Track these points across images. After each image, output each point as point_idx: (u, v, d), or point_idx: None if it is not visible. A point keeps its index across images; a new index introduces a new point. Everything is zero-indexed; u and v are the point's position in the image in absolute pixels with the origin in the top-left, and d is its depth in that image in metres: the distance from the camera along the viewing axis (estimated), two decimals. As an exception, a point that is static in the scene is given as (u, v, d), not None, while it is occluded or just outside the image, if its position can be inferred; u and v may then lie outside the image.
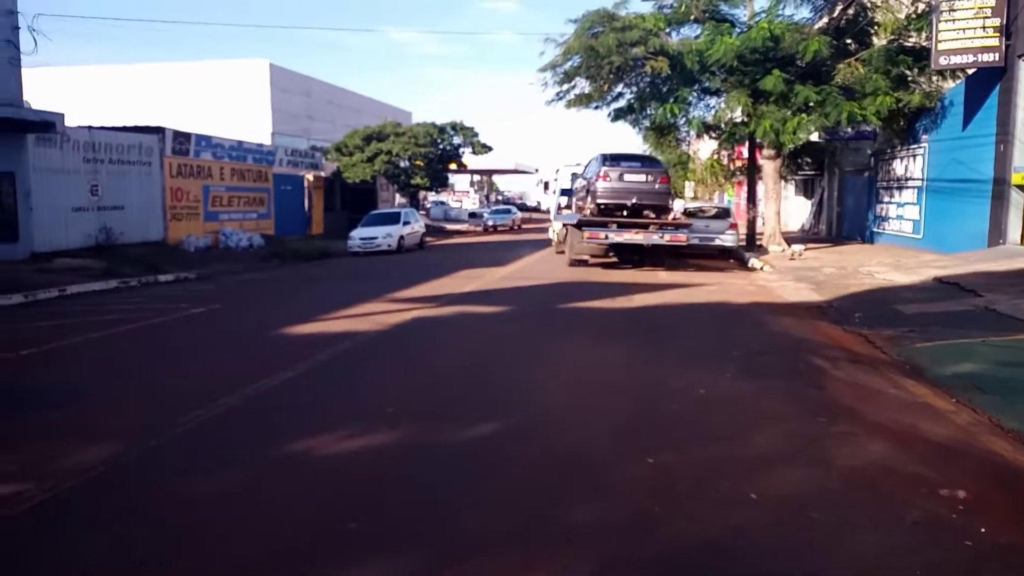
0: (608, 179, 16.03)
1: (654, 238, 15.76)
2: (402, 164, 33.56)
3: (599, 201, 16.13)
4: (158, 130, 21.50)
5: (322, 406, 5.60)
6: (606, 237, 15.86)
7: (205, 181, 23.30)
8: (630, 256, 16.81)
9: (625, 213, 16.24)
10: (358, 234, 22.74)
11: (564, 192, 22.28)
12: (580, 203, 17.86)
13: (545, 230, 28.41)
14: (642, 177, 16.10)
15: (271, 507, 3.79)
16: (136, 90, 36.04)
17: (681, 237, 15.94)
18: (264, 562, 3.25)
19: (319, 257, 20.99)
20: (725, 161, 24.61)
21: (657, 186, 16.09)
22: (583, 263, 17.03)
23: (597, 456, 4.44)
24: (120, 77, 37.08)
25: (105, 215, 19.03)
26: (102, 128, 20.01)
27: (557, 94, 19.60)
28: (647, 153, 22.09)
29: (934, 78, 17.51)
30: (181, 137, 22.35)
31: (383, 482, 4.10)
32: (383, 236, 22.52)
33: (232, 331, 9.12)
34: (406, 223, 24.00)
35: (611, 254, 17.16)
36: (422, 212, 41.91)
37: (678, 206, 23.05)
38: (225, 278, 16.22)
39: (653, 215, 16.36)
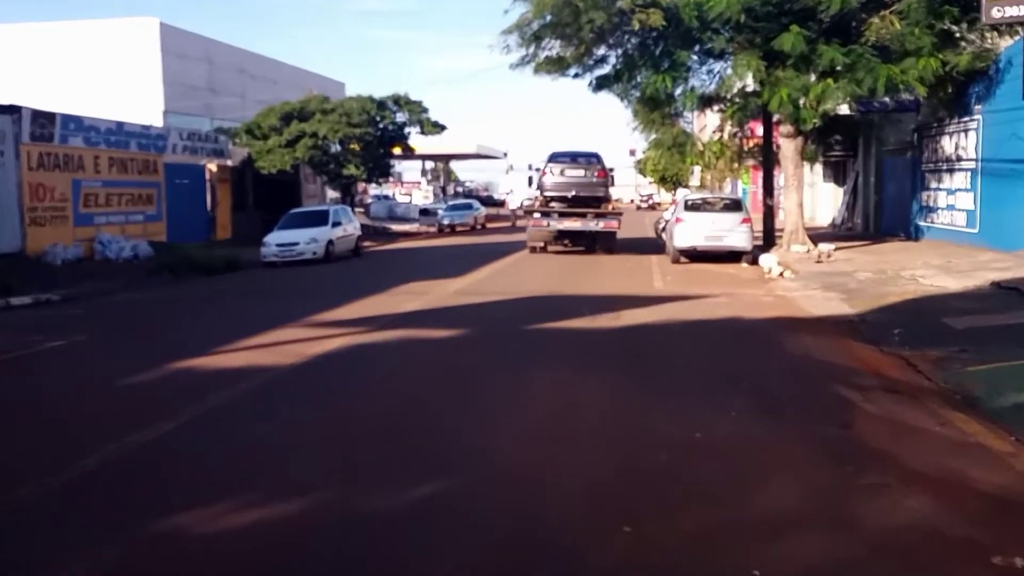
0: (552, 174, 22.42)
1: (591, 225, 21.92)
2: (332, 149, 33.35)
3: (546, 194, 22.45)
4: (12, 109, 21.02)
5: (209, 467, 5.45)
6: (548, 225, 22.14)
7: (75, 174, 22.83)
8: (588, 243, 22.56)
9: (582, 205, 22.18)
10: (275, 239, 22.49)
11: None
12: (535, 196, 24.01)
13: (516, 229, 28.91)
14: (581, 172, 22.44)
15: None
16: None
17: (613, 224, 22.02)
18: None
19: (225, 269, 20.69)
20: (738, 141, 24.83)
21: (594, 179, 22.34)
22: (543, 249, 23.02)
23: (564, 527, 4.35)
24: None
25: (-59, 221, 18.54)
26: (-66, 108, 19.54)
27: (523, 58, 19.68)
28: (641, 137, 24.23)
29: (987, 34, 17.84)
30: (43, 119, 21.91)
31: (279, 571, 3.95)
32: (306, 241, 22.31)
33: (98, 371, 8.89)
34: (336, 224, 23.81)
35: (567, 243, 23.21)
36: (359, 210, 41.72)
37: (679, 196, 24.02)
38: (99, 299, 15.87)
39: (593, 205, 22.19)
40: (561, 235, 22.89)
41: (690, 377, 7.81)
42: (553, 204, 22.49)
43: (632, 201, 76.11)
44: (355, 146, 33.44)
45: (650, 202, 69.71)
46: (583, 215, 21.98)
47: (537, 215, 22.51)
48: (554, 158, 22.94)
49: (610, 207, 22.90)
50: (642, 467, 5.24)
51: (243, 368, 8.45)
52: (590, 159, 23.25)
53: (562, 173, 22.45)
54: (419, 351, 9.56)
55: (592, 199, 22.37)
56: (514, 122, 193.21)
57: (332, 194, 39.49)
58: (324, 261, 22.28)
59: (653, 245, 24.12)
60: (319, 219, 23.74)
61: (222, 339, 10.19)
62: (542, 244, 23.16)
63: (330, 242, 22.93)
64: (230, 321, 12.37)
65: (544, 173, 22.84)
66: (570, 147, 23.32)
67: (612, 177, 24.39)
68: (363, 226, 29.69)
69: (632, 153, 69.61)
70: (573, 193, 22.20)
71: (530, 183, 32.55)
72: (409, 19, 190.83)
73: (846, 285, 13.54)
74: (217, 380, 7.91)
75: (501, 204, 61.53)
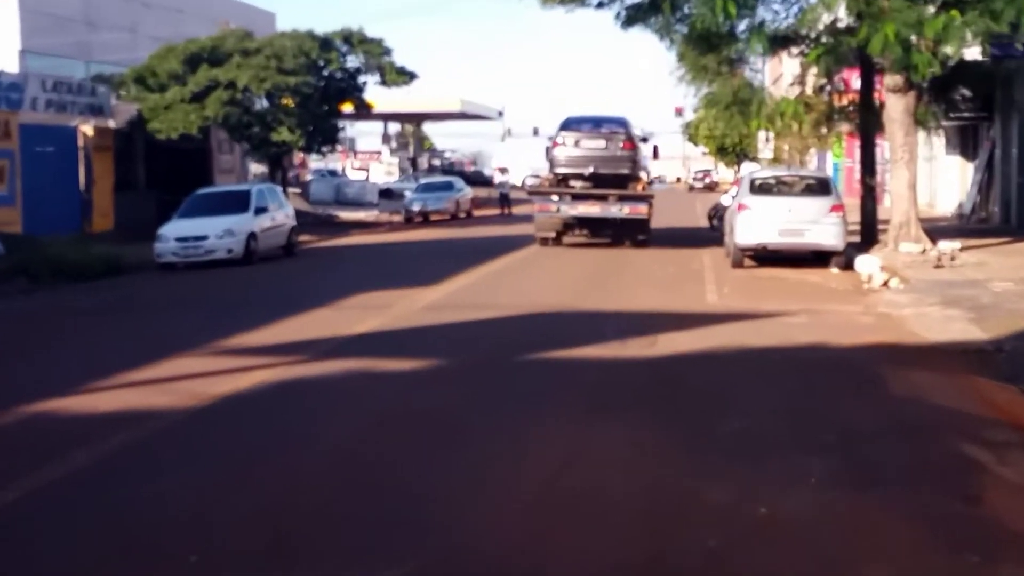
0: (566, 145, 24.41)
1: (613, 211, 23.73)
2: (257, 106, 33.40)
3: (557, 170, 24.61)
4: None
5: (71, 552, 5.42)
6: (557, 210, 24.18)
7: None
8: (614, 234, 24.47)
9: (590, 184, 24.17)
10: (174, 231, 22.52)
11: None
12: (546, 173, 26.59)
13: (511, 219, 29.15)
14: (600, 143, 24.31)
15: None
16: None
17: (641, 209, 23.85)
18: None
19: (104, 273, 20.75)
20: (826, 97, 24.85)
21: (619, 152, 24.10)
22: (556, 240, 25.02)
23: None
24: None
25: None
26: None
27: (524, -22, 19.90)
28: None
29: None
30: None
31: None
32: (219, 235, 22.34)
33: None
34: (261, 210, 23.90)
35: (586, 233, 25.25)
36: (295, 191, 41.76)
37: (743, 173, 24.28)
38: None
39: (616, 185, 23.93)
40: (577, 223, 24.90)
41: (754, 429, 7.79)
42: (567, 183, 24.36)
43: (679, 180, 76.24)
44: (288, 101, 33.48)
45: (707, 180, 69.90)
46: (603, 198, 23.84)
47: (554, 197, 24.33)
48: (568, 125, 25.00)
49: (639, 187, 24.79)
50: (683, 557, 5.22)
51: (122, 413, 8.44)
52: (614, 126, 25.16)
53: (577, 144, 24.52)
54: (373, 391, 9.55)
55: (615, 177, 24.18)
56: (513, 71, 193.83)
57: (256, 169, 39.52)
58: (243, 262, 22.34)
59: (706, 239, 24.20)
60: (237, 203, 23.76)
61: (95, 372, 10.22)
62: (554, 235, 25.02)
63: (252, 235, 22.97)
64: (107, 347, 12.35)
65: (555, 144, 24.81)
66: (592, 106, 25.01)
67: (656, 148, 25.51)
68: (300, 213, 29.74)
69: (679, 113, 69.63)
70: (591, 170, 24.04)
71: (547, 155, 33.49)
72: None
73: (977, 300, 13.56)
74: (85, 430, 7.90)
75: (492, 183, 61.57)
